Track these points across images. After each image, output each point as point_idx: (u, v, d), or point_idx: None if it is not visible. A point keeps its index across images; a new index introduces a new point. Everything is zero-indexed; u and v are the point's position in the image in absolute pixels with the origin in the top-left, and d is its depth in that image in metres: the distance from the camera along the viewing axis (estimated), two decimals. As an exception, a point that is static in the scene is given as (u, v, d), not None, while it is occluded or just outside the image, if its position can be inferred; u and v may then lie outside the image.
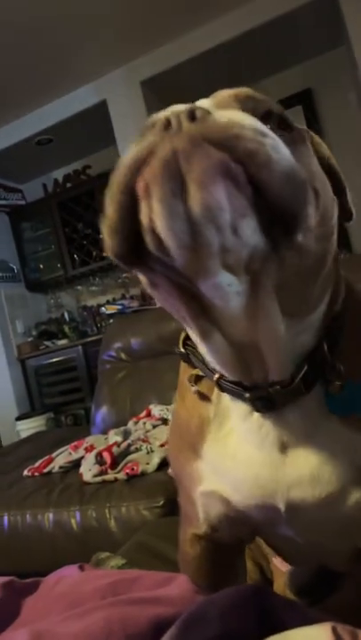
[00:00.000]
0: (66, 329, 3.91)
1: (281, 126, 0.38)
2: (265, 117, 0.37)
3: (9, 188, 4.12)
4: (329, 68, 3.43)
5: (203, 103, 0.39)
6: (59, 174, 4.20)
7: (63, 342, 3.76)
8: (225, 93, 0.40)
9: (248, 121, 0.33)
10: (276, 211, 0.32)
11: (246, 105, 0.38)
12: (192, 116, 0.33)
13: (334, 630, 0.29)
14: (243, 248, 0.32)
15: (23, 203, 4.16)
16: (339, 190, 0.48)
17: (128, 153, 0.34)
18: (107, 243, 0.35)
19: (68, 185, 3.99)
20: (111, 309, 3.63)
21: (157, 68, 3.15)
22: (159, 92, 3.32)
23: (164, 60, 3.12)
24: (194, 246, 0.31)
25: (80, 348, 3.61)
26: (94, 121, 3.43)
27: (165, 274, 0.34)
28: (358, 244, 3.44)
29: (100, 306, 3.93)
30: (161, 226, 0.31)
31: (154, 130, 0.34)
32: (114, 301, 3.83)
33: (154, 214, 0.31)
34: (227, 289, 0.34)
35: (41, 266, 4.15)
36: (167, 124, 0.33)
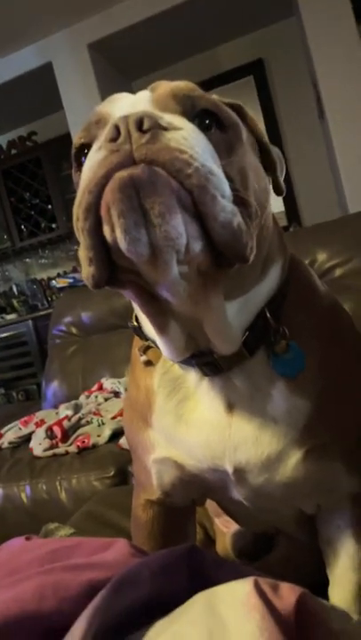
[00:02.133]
0: (15, 303, 3.80)
1: (217, 124, 0.42)
2: (201, 115, 0.41)
3: None
4: (280, 38, 3.41)
5: (143, 98, 0.42)
6: (2, 140, 3.99)
7: (12, 317, 3.66)
8: (163, 89, 0.43)
9: (197, 147, 0.37)
10: (219, 246, 0.37)
11: (185, 104, 0.41)
12: (140, 125, 0.36)
13: (256, 583, 0.31)
14: (193, 263, 0.38)
15: (-35, 169, 3.94)
16: (271, 168, 0.49)
17: (87, 172, 0.37)
18: (85, 270, 0.38)
19: (13, 152, 3.81)
20: (62, 283, 3.56)
21: (107, 29, 3.02)
22: (108, 55, 3.19)
23: (114, 21, 2.98)
24: (154, 263, 0.36)
25: (30, 322, 3.52)
26: (39, 84, 3.27)
27: (131, 279, 0.40)
28: (308, 216, 3.52)
29: (50, 279, 3.84)
30: (125, 250, 0.35)
31: (104, 136, 0.38)
32: (64, 275, 3.75)
33: (119, 240, 0.35)
34: (180, 291, 0.40)
35: (-14, 237, 3.98)
36: (116, 134, 0.37)
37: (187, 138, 0.37)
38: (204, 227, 0.36)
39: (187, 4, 2.87)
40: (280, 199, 3.46)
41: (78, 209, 0.37)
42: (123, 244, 0.35)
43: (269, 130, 3.49)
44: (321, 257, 1.45)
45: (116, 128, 0.37)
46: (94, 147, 0.39)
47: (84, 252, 0.38)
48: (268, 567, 0.65)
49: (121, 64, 3.36)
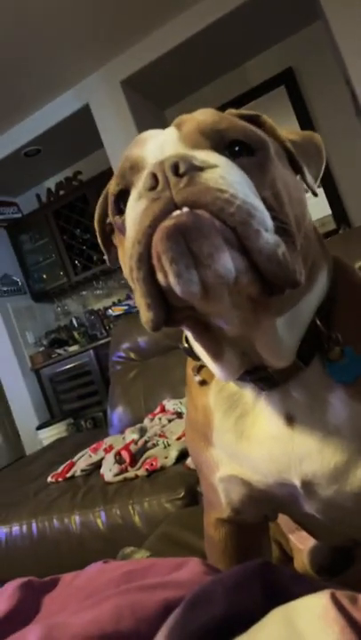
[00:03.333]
0: (75, 335, 3.94)
1: (247, 150, 0.42)
2: (231, 146, 0.42)
3: (4, 202, 4.15)
4: (307, 44, 3.39)
5: (171, 137, 0.43)
6: (51, 183, 4.22)
7: (74, 348, 3.80)
8: (190, 125, 0.44)
9: (236, 184, 0.38)
10: (267, 277, 0.38)
11: (214, 139, 0.42)
12: (176, 169, 0.38)
13: (333, 596, 0.30)
14: (243, 293, 0.39)
15: (19, 215, 4.19)
16: (298, 170, 0.49)
17: (132, 224, 0.39)
18: (145, 316, 0.40)
19: (62, 193, 4.01)
20: (117, 311, 3.65)
21: (136, 65, 3.14)
22: (140, 88, 3.31)
23: (143, 56, 3.10)
24: (207, 298, 0.38)
25: (92, 352, 3.64)
26: (80, 126, 3.44)
27: (186, 316, 0.41)
28: (357, 217, 3.42)
29: (106, 308, 3.96)
30: (180, 292, 0.37)
31: (142, 184, 0.39)
32: (119, 303, 3.85)
33: (173, 285, 0.37)
34: (233, 319, 0.41)
35: (44, 276, 4.18)
36: (155, 182, 0.38)
37: (224, 176, 0.38)
38: (250, 260, 0.37)
39: (210, 28, 2.93)
40: (326, 203, 3.39)
41: (130, 260, 0.39)
42: (177, 288, 0.37)
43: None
44: (375, 256, 1.40)
45: (154, 176, 0.38)
46: (133, 194, 0.41)
47: (141, 300, 0.39)
48: (348, 582, 0.62)
49: (153, 95, 3.47)
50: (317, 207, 3.36)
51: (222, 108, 0.48)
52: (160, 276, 0.37)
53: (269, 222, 0.38)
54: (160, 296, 0.38)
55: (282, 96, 3.49)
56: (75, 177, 4.01)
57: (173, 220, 0.36)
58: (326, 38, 3.05)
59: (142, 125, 3.26)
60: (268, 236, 0.37)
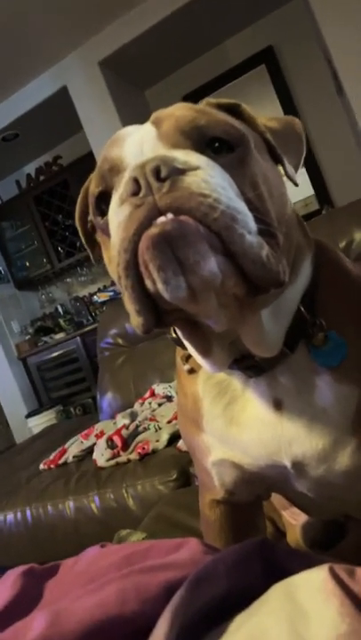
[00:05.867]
0: (61, 322, 3.91)
1: (227, 146, 0.42)
2: (211, 143, 0.42)
3: (-18, 189, 4.06)
4: (287, 22, 3.34)
5: (149, 136, 0.43)
6: (30, 168, 4.13)
7: (61, 336, 3.77)
8: (169, 124, 0.43)
9: (219, 188, 0.38)
10: (252, 279, 0.38)
11: (193, 138, 0.42)
12: (157, 173, 0.37)
13: (331, 569, 0.31)
14: (229, 294, 0.40)
15: (-1, 202, 4.11)
16: (278, 160, 0.49)
17: (117, 231, 0.39)
18: (135, 321, 0.40)
19: (42, 178, 3.93)
20: (103, 297, 3.63)
21: (113, 45, 3.06)
22: (118, 69, 3.24)
23: (120, 35, 3.03)
24: (195, 301, 0.38)
25: (78, 339, 3.62)
26: (58, 109, 3.36)
27: (175, 318, 0.42)
28: (339, 196, 3.43)
29: (91, 295, 3.93)
30: (168, 298, 0.37)
31: (123, 189, 0.39)
32: (105, 289, 3.82)
33: (161, 291, 0.37)
34: (220, 318, 0.42)
35: (27, 263, 4.12)
36: (137, 187, 0.38)
37: (206, 179, 0.37)
38: (235, 263, 0.37)
39: (186, 7, 2.87)
40: (309, 184, 3.39)
41: (118, 268, 0.39)
42: (165, 294, 0.37)
43: (289, 115, 3.42)
44: (359, 235, 1.41)
45: (135, 181, 0.38)
46: (115, 198, 0.40)
47: (130, 306, 0.39)
48: (342, 555, 0.64)
49: (132, 76, 3.40)
50: (300, 188, 3.33)
51: (203, 89, 0.47)
52: (148, 283, 0.37)
53: (253, 225, 0.38)
54: (149, 301, 0.39)
55: (262, 75, 3.45)
56: (55, 162, 3.93)
57: (158, 228, 0.36)
58: (307, 16, 3.01)
59: (122, 107, 3.20)
60: (252, 239, 0.37)
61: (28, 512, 1.45)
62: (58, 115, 3.44)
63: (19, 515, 1.46)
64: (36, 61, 3.08)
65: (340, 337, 0.47)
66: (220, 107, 0.48)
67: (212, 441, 0.54)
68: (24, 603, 0.39)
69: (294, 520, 0.72)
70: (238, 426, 0.51)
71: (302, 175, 3.39)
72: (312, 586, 0.30)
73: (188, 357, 0.54)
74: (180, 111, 0.44)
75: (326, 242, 0.54)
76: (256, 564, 0.37)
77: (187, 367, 0.55)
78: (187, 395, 0.56)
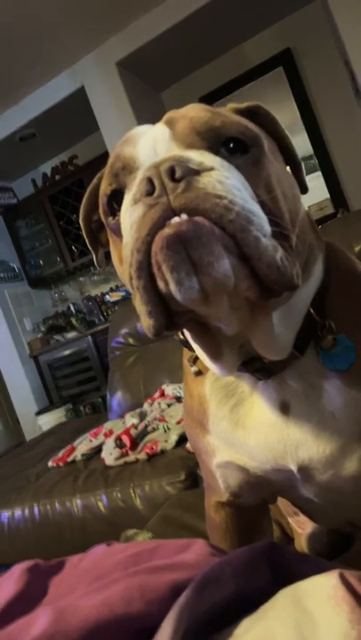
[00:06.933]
0: (73, 321, 3.94)
1: (242, 147, 0.42)
2: (226, 144, 0.41)
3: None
4: (305, 24, 3.32)
5: (163, 136, 0.42)
6: (46, 168, 4.16)
7: (72, 335, 3.79)
8: (183, 124, 0.42)
9: (234, 189, 0.37)
10: (265, 282, 0.38)
11: (209, 139, 0.41)
12: (172, 174, 0.37)
13: (342, 575, 0.31)
14: (242, 297, 0.39)
15: (15, 201, 4.14)
16: (294, 166, 0.49)
17: (130, 231, 0.38)
18: (146, 323, 0.39)
19: (57, 177, 3.96)
20: (115, 297, 3.64)
21: (132, 46, 3.07)
22: (135, 70, 3.25)
23: (138, 36, 3.04)
24: (207, 303, 0.37)
25: (90, 338, 3.64)
26: (75, 109, 3.38)
27: (186, 320, 0.41)
28: (355, 200, 3.40)
29: (103, 294, 3.95)
30: (181, 299, 0.37)
31: (137, 188, 0.39)
32: (117, 288, 3.84)
33: (174, 292, 0.36)
34: (232, 320, 0.41)
35: (41, 262, 4.15)
36: (151, 187, 0.37)
37: (222, 180, 0.37)
38: (249, 266, 0.37)
39: (204, 9, 2.87)
40: (324, 187, 3.36)
41: (130, 269, 0.38)
42: (178, 295, 0.36)
43: (306, 117, 3.41)
44: (374, 239, 1.40)
45: (150, 181, 0.38)
46: (128, 198, 0.40)
47: (141, 307, 0.39)
48: (347, 564, 0.63)
49: (149, 77, 3.41)
50: (316, 191, 3.34)
51: (219, 90, 0.47)
52: (161, 284, 0.37)
53: (267, 227, 0.38)
54: (161, 302, 0.38)
55: (280, 77, 3.43)
56: (70, 161, 3.96)
57: (173, 228, 0.36)
58: (325, 18, 2.99)
59: (138, 108, 3.21)
60: (267, 242, 0.37)
61: (36, 509, 1.45)
62: (75, 115, 3.47)
63: (26, 511, 1.47)
64: (54, 61, 3.10)
65: (349, 340, 0.46)
66: (240, 111, 0.47)
67: (217, 443, 0.54)
68: (29, 598, 0.39)
69: (300, 529, 0.71)
70: (244, 428, 0.50)
71: (318, 178, 3.37)
72: (322, 592, 0.29)
73: (195, 359, 0.54)
74: (193, 111, 0.43)
75: (337, 244, 0.53)
76: (264, 568, 0.36)
77: (194, 369, 0.54)
78: (193, 396, 0.56)
